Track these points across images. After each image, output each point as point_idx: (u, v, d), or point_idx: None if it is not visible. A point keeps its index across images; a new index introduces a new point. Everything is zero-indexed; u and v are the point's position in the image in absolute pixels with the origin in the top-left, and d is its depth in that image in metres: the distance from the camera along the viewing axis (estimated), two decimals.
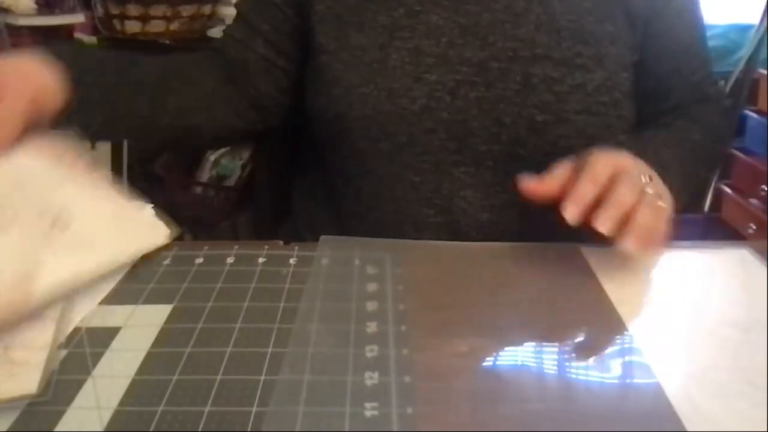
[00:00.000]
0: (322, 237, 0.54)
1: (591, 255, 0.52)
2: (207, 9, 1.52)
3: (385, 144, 0.60)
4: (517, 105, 0.58)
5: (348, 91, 0.60)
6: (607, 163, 0.48)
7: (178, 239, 0.55)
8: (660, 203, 0.49)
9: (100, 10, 1.42)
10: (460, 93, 0.59)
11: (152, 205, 0.56)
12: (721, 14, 1.89)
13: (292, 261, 0.51)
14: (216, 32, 1.49)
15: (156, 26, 1.44)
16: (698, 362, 0.40)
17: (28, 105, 0.48)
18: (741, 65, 1.67)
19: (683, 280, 0.49)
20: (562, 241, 0.53)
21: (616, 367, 0.39)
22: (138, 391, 0.37)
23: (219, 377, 0.38)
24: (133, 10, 1.40)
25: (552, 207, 0.48)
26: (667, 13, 0.63)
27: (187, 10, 1.45)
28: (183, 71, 0.66)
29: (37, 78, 0.51)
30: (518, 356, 0.40)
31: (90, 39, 1.39)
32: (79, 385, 0.37)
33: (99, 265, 0.46)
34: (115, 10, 1.40)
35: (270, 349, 0.41)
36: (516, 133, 0.59)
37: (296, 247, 0.53)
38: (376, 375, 0.38)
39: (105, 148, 1.40)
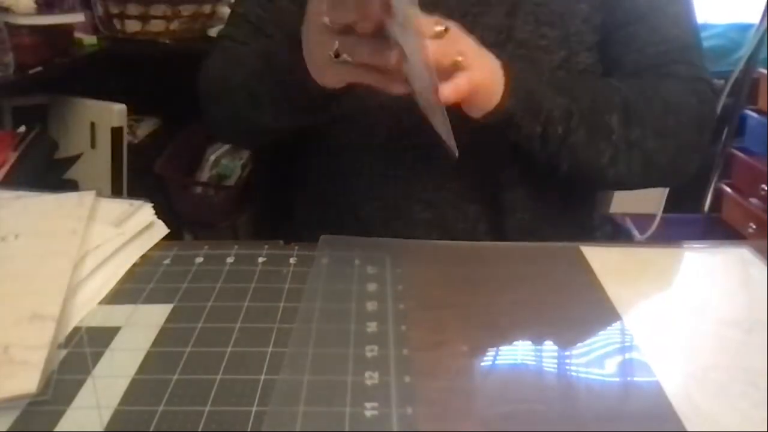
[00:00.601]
0: (322, 237, 0.54)
1: (591, 254, 0.52)
2: (207, 8, 1.51)
3: (370, 139, 0.60)
4: None
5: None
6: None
7: (178, 239, 0.55)
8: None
9: (100, 10, 1.42)
10: None
11: (152, 205, 0.57)
12: (721, 14, 1.89)
13: (292, 261, 0.51)
14: (216, 32, 1.49)
15: (156, 26, 1.43)
16: (698, 362, 0.40)
17: None
18: (741, 65, 1.67)
19: (683, 280, 0.49)
20: (544, 227, 0.53)
21: (616, 367, 0.39)
22: (138, 391, 0.37)
23: (219, 377, 0.38)
24: (133, 9, 1.40)
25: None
26: None
27: (187, 10, 1.45)
28: None
29: None
30: (518, 356, 0.40)
31: (90, 38, 1.39)
32: (79, 384, 0.37)
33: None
34: (115, 10, 1.40)
35: (270, 349, 0.41)
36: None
37: (296, 247, 0.53)
38: (376, 375, 0.38)
39: (105, 147, 1.40)
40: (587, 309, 0.45)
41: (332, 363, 0.39)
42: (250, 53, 0.63)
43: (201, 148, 1.57)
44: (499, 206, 0.62)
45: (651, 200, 1.15)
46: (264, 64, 0.58)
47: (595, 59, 0.62)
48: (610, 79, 0.62)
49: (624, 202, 0.69)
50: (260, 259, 0.51)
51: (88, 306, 0.45)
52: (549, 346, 0.41)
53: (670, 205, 1.16)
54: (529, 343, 0.41)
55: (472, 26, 0.58)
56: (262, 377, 0.38)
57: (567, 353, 0.40)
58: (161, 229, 0.55)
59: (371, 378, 0.38)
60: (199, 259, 0.51)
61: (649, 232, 1.05)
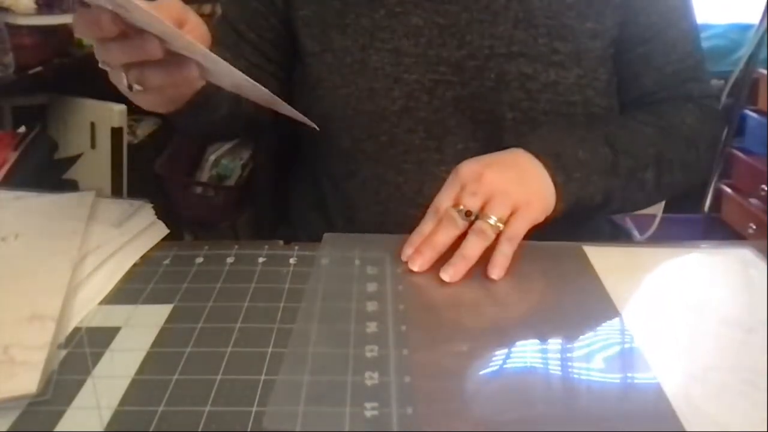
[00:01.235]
0: (326, 235, 0.54)
1: (592, 254, 0.52)
2: (207, 9, 1.51)
3: (368, 144, 0.60)
4: (489, 102, 0.59)
5: (330, 92, 0.61)
6: (452, 189, 0.50)
7: (178, 239, 0.55)
8: (486, 231, 0.48)
9: None
10: (437, 92, 0.59)
11: (152, 206, 0.57)
12: (721, 14, 1.89)
13: (292, 261, 0.51)
14: None
15: None
16: (698, 362, 0.40)
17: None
18: (741, 65, 1.67)
19: (683, 280, 0.49)
20: (544, 228, 0.53)
21: (616, 367, 0.39)
22: (138, 391, 0.37)
23: (219, 377, 0.38)
24: None
25: None
26: (649, 5, 0.62)
27: None
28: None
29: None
30: (518, 356, 0.40)
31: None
32: (79, 385, 0.37)
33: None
34: None
35: (270, 349, 0.41)
36: (490, 131, 0.59)
37: (296, 247, 0.53)
38: (376, 375, 0.38)
39: (105, 147, 1.41)
40: (588, 309, 0.45)
41: (332, 363, 0.39)
42: None
43: (201, 148, 1.57)
44: None
45: None
46: None
47: (610, 74, 0.61)
48: (640, 118, 0.62)
49: None
50: (260, 259, 0.51)
51: (88, 306, 0.45)
52: (549, 345, 0.41)
53: (670, 205, 1.16)
54: (530, 342, 0.41)
55: (480, 36, 0.58)
56: (262, 377, 0.38)
57: (567, 353, 0.40)
58: (161, 230, 0.55)
59: (371, 378, 0.38)
60: (199, 260, 0.51)
61: (649, 232, 1.06)
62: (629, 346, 0.41)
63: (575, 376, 0.38)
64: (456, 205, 0.49)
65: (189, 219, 1.48)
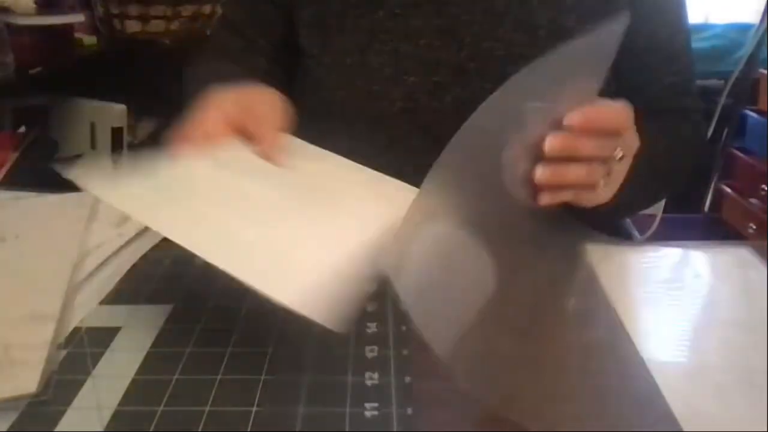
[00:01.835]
0: None
1: (592, 253, 0.52)
2: (207, 9, 1.51)
3: (367, 147, 0.59)
4: None
5: (330, 94, 0.60)
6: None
7: None
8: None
9: (100, 10, 1.42)
10: (437, 95, 0.59)
11: None
12: (721, 14, 1.89)
13: None
14: None
15: (156, 26, 1.44)
16: (697, 362, 0.40)
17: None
18: (741, 65, 1.67)
19: (683, 280, 0.49)
20: (544, 237, 0.53)
21: (613, 367, 0.39)
22: (138, 392, 0.37)
23: (219, 377, 0.38)
24: (133, 9, 1.40)
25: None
26: (646, 10, 0.62)
27: (187, 10, 1.45)
28: None
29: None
30: (518, 355, 0.40)
31: (90, 39, 1.39)
32: (79, 385, 0.37)
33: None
34: (115, 10, 1.40)
35: (270, 350, 0.41)
36: None
37: None
38: (376, 375, 0.38)
39: (105, 148, 1.40)
40: (587, 308, 0.45)
41: (332, 363, 0.39)
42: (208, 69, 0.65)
43: None
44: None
45: None
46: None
47: (609, 79, 0.59)
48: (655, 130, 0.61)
49: None
50: None
51: (88, 306, 0.45)
52: (548, 345, 0.41)
53: (670, 205, 1.16)
54: (529, 342, 0.41)
55: (480, 38, 0.58)
56: (262, 377, 0.38)
57: (566, 353, 0.40)
58: None
59: (371, 378, 0.38)
60: (199, 260, 0.51)
61: (649, 232, 1.06)
62: (627, 345, 0.41)
63: (573, 375, 0.38)
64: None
65: None
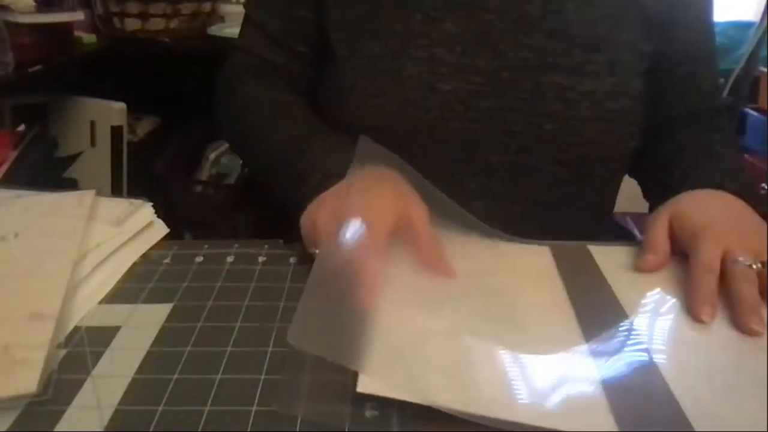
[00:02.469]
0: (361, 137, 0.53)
1: (599, 254, 0.52)
2: (207, 7, 1.51)
3: (398, 155, 0.57)
4: (526, 114, 0.57)
5: (362, 101, 0.58)
6: (715, 245, 0.46)
7: (178, 238, 0.55)
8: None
9: (99, 8, 1.42)
10: (471, 103, 0.58)
11: (152, 205, 0.56)
12: (721, 12, 1.89)
13: (292, 260, 0.51)
14: (216, 30, 1.49)
15: (156, 24, 1.43)
16: (706, 362, 0.40)
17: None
18: (741, 63, 1.67)
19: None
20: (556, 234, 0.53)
21: (623, 367, 0.39)
22: (138, 391, 0.37)
23: (219, 377, 0.38)
24: (132, 7, 1.40)
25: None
26: (684, 20, 0.62)
27: (186, 8, 1.45)
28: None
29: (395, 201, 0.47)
30: (522, 355, 0.40)
31: (89, 37, 1.39)
32: (79, 384, 0.37)
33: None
34: (114, 8, 1.40)
35: (270, 349, 0.41)
36: (525, 143, 0.58)
37: (296, 247, 0.53)
38: None
39: (105, 146, 1.40)
40: (595, 308, 0.45)
41: (332, 362, 0.39)
42: (269, 122, 0.61)
43: (201, 147, 1.57)
44: (521, 231, 0.59)
45: None
46: (272, 168, 0.58)
47: (643, 87, 0.61)
48: (717, 137, 0.64)
49: (624, 202, 0.69)
50: (260, 259, 0.51)
51: (87, 305, 0.45)
52: (555, 345, 0.41)
53: None
54: (534, 341, 0.41)
55: (514, 46, 0.58)
56: (262, 377, 0.38)
57: (575, 353, 0.40)
58: (161, 229, 0.55)
59: None
60: (199, 259, 0.51)
61: None
62: (637, 346, 0.41)
63: (581, 375, 0.38)
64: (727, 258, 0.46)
65: (189, 218, 1.48)
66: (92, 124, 1.38)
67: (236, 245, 0.53)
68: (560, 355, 0.40)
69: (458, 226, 0.51)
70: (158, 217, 0.56)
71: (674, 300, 0.46)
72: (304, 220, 0.49)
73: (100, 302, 0.46)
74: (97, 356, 0.40)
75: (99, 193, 0.57)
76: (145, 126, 1.56)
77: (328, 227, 0.45)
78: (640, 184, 0.70)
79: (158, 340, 0.41)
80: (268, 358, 0.40)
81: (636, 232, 0.82)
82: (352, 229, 0.43)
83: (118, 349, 0.41)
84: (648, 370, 0.39)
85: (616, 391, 0.37)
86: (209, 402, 0.36)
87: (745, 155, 1.76)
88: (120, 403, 0.36)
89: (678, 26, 0.62)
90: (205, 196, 1.49)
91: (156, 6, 1.41)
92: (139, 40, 1.44)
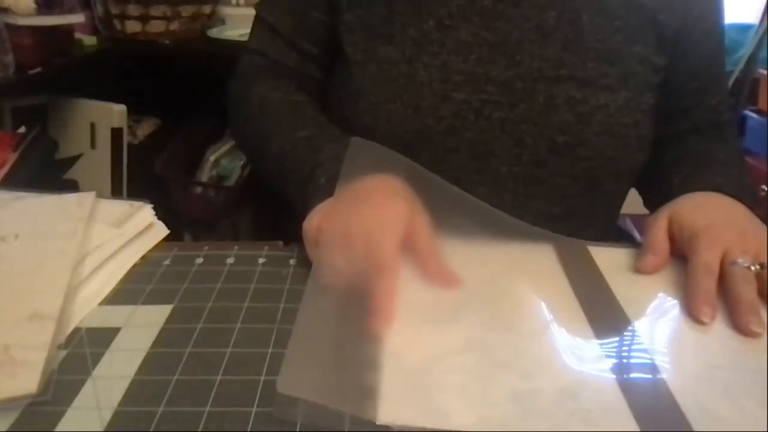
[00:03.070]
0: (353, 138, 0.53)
1: (599, 254, 0.52)
2: (207, 9, 1.52)
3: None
4: (539, 126, 0.57)
5: (374, 107, 0.58)
6: (714, 246, 0.47)
7: (178, 239, 0.55)
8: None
9: (100, 10, 1.42)
10: (484, 113, 0.57)
11: (152, 206, 0.56)
12: None
13: (292, 262, 0.51)
14: (216, 32, 1.49)
15: (156, 26, 1.44)
16: (705, 362, 0.40)
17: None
18: (741, 65, 1.67)
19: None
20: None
21: (623, 367, 0.39)
22: (138, 391, 0.37)
23: (219, 377, 0.38)
24: (133, 9, 1.40)
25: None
26: (697, 35, 0.62)
27: (187, 10, 1.45)
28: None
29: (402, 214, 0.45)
30: (522, 354, 0.40)
31: (90, 39, 1.39)
32: (79, 385, 0.37)
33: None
34: (115, 10, 1.40)
35: (270, 350, 0.41)
36: (537, 155, 0.58)
37: (296, 248, 0.53)
38: None
39: (105, 148, 1.41)
40: (595, 308, 0.45)
41: (332, 362, 0.39)
42: (280, 123, 0.61)
43: (201, 148, 1.57)
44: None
45: None
46: (281, 170, 0.57)
47: (655, 100, 0.61)
48: (722, 147, 0.65)
49: (624, 204, 0.69)
50: (260, 260, 0.51)
51: (88, 306, 0.45)
52: (555, 344, 0.41)
53: None
54: (534, 341, 0.41)
55: (529, 56, 0.57)
56: (262, 377, 0.38)
57: (574, 352, 0.40)
58: (161, 230, 0.55)
59: None
60: (199, 260, 0.51)
61: None
62: (636, 345, 0.41)
63: (581, 375, 0.38)
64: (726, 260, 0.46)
65: (189, 219, 1.48)
66: (92, 125, 1.38)
67: (236, 247, 0.53)
68: (574, 361, 0.40)
69: (461, 222, 0.51)
70: (158, 218, 0.56)
71: (674, 301, 0.46)
72: (307, 225, 0.48)
73: (101, 303, 0.46)
74: (97, 357, 0.40)
75: (99, 195, 0.57)
76: (146, 128, 1.56)
77: (329, 245, 0.44)
78: (640, 192, 0.70)
79: (158, 342, 0.41)
80: (268, 359, 0.40)
81: (635, 234, 0.82)
82: (360, 248, 0.43)
83: (118, 350, 0.41)
84: (648, 370, 0.39)
85: (615, 389, 0.37)
86: (209, 403, 0.36)
87: (745, 156, 1.76)
88: (120, 404, 0.36)
89: (691, 42, 0.62)
90: (205, 198, 1.49)
91: (156, 8, 1.41)
92: (140, 43, 1.44)
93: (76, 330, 0.43)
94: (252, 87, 0.65)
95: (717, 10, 0.64)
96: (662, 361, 0.40)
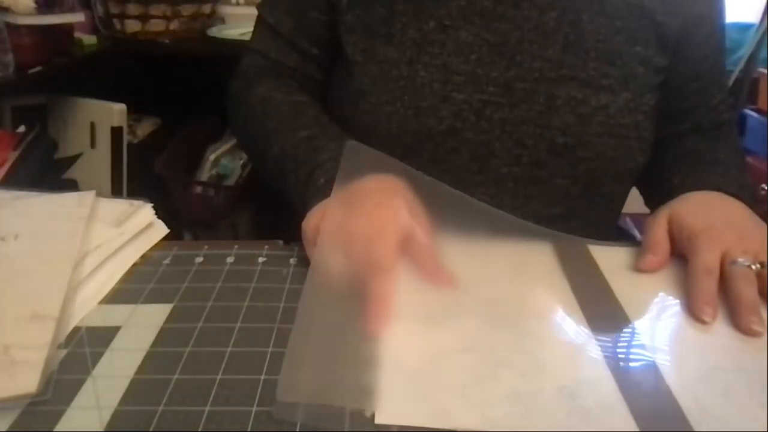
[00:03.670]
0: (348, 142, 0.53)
1: (599, 254, 0.52)
2: (207, 8, 1.51)
3: (407, 163, 0.56)
4: (539, 127, 0.57)
5: (375, 108, 0.58)
6: (714, 246, 0.47)
7: (178, 239, 0.55)
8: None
9: (100, 10, 1.42)
10: (485, 113, 0.57)
11: (152, 205, 0.56)
12: None
13: (292, 261, 0.51)
14: (216, 31, 1.49)
15: (156, 25, 1.43)
16: (705, 361, 0.40)
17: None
18: (741, 64, 1.67)
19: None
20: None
21: (623, 366, 0.39)
22: (138, 391, 0.37)
23: (219, 377, 0.38)
24: (133, 9, 1.40)
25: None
26: (698, 36, 0.62)
27: (187, 10, 1.45)
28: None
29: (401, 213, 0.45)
30: (522, 353, 0.40)
31: (90, 38, 1.39)
32: (79, 384, 0.37)
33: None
34: (115, 10, 1.40)
35: (270, 349, 0.41)
36: (537, 156, 0.58)
37: (296, 247, 0.53)
38: None
39: (105, 147, 1.40)
40: (594, 307, 0.45)
41: (333, 362, 0.39)
42: (281, 123, 0.60)
43: (201, 148, 1.57)
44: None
45: None
46: (282, 170, 0.57)
47: (656, 101, 0.61)
48: (722, 146, 0.64)
49: (624, 203, 0.69)
50: (260, 259, 0.51)
51: (88, 306, 0.45)
52: (554, 344, 0.41)
53: None
54: (534, 340, 0.41)
55: (529, 57, 0.57)
56: (262, 377, 0.38)
57: (573, 351, 0.40)
58: (161, 229, 0.55)
59: None
60: (199, 259, 0.51)
61: None
62: (636, 345, 0.41)
63: (582, 375, 0.38)
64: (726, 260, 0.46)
65: (189, 219, 1.48)
66: (92, 125, 1.38)
67: (236, 246, 0.53)
68: (573, 360, 0.40)
69: (460, 223, 0.51)
70: (158, 217, 0.56)
71: (674, 300, 0.46)
72: (305, 225, 0.48)
73: (100, 302, 0.46)
74: (97, 356, 0.40)
75: (99, 194, 0.57)
76: (145, 127, 1.56)
77: (327, 246, 0.44)
78: (641, 191, 0.70)
79: (158, 341, 0.41)
80: (268, 358, 0.40)
81: (636, 233, 0.82)
82: (358, 248, 0.43)
83: (118, 349, 0.41)
84: (648, 370, 0.39)
85: (615, 389, 0.37)
86: (209, 402, 0.36)
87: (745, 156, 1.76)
88: (120, 404, 0.36)
89: (692, 43, 0.62)
90: (205, 197, 1.49)
91: (156, 8, 1.41)
92: (140, 42, 1.44)
93: (76, 329, 0.43)
94: (253, 87, 0.65)
95: (718, 10, 0.64)
96: (662, 360, 0.40)
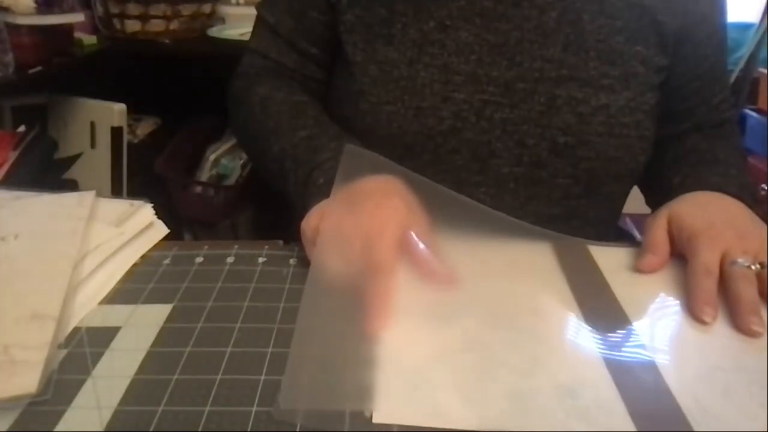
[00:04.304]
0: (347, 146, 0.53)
1: (599, 253, 0.52)
2: (207, 8, 1.51)
3: (408, 163, 0.55)
4: (540, 126, 0.57)
5: (375, 108, 0.58)
6: (714, 246, 0.47)
7: (178, 239, 0.55)
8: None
9: (99, 10, 1.42)
10: (485, 113, 0.57)
11: (152, 205, 0.56)
12: None
13: (292, 261, 0.51)
14: (216, 31, 1.49)
15: (156, 25, 1.43)
16: (705, 361, 0.40)
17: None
18: (741, 64, 1.67)
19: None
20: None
21: (622, 366, 0.39)
22: (138, 391, 0.37)
23: (219, 377, 0.38)
24: (132, 9, 1.40)
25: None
26: (698, 36, 0.62)
27: (187, 9, 1.45)
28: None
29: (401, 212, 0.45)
30: (522, 353, 0.40)
31: (90, 38, 1.39)
32: (79, 384, 0.37)
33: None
34: (114, 10, 1.40)
35: (270, 349, 0.41)
36: (538, 156, 0.58)
37: (296, 247, 0.53)
38: None
39: (105, 147, 1.40)
40: (594, 307, 0.45)
41: (332, 362, 0.39)
42: (281, 123, 0.60)
43: (201, 148, 1.57)
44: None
45: None
46: (282, 170, 0.57)
47: (656, 100, 0.61)
48: (722, 144, 0.65)
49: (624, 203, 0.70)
50: (260, 259, 0.51)
51: (88, 306, 0.45)
52: (553, 343, 0.41)
53: None
54: (532, 339, 0.41)
55: (530, 57, 0.57)
56: (262, 377, 0.38)
57: (572, 351, 0.40)
58: (161, 229, 0.55)
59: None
60: (199, 259, 0.51)
61: None
62: (636, 345, 0.41)
63: (581, 375, 0.38)
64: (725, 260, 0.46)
65: (189, 219, 1.48)
66: (92, 125, 1.38)
67: (236, 246, 0.53)
68: (573, 360, 0.40)
69: (459, 223, 0.51)
70: (158, 217, 0.56)
71: (674, 301, 0.46)
72: (305, 225, 0.48)
73: (101, 303, 0.46)
74: (97, 357, 0.40)
75: (99, 194, 0.57)
76: (145, 127, 1.56)
77: (327, 246, 0.44)
78: (641, 191, 0.70)
79: (158, 341, 0.41)
80: (268, 358, 0.40)
81: (636, 233, 0.82)
82: (358, 248, 0.43)
83: (118, 349, 0.41)
84: (648, 370, 0.39)
85: (615, 390, 0.37)
86: (209, 402, 0.36)
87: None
88: (120, 404, 0.36)
89: (693, 42, 0.62)
90: (205, 197, 1.49)
91: (156, 7, 1.41)
92: (140, 42, 1.44)
93: (76, 329, 0.43)
94: (253, 87, 0.65)
95: (719, 10, 0.64)
96: (662, 360, 0.40)
